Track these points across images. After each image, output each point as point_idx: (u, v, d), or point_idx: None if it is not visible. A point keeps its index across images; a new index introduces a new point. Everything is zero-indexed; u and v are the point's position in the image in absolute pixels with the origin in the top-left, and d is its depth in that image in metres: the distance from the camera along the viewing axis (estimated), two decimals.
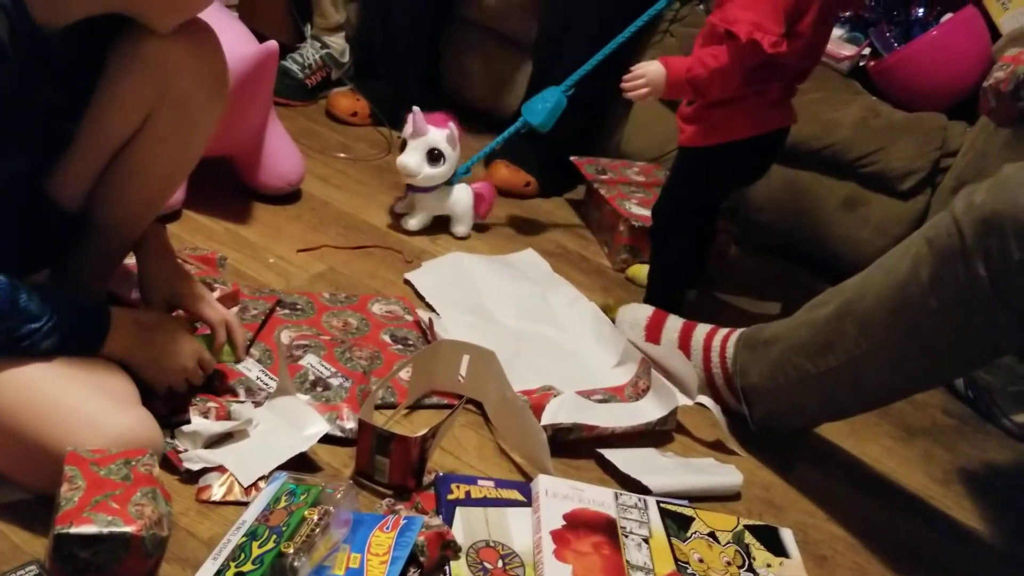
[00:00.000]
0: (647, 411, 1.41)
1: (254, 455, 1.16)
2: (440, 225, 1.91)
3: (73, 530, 0.87)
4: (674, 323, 1.56)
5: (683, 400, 1.44)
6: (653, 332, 1.55)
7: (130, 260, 1.29)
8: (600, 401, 1.42)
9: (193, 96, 1.15)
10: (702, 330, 1.53)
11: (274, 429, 1.21)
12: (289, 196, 1.87)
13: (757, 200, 2.03)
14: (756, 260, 2.11)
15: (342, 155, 2.13)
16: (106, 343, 1.07)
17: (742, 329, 1.50)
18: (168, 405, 1.18)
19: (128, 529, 0.89)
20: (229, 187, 1.82)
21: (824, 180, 2.03)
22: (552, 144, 2.04)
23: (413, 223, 1.89)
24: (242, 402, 1.24)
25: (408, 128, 1.83)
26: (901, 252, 1.28)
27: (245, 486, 1.13)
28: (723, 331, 1.51)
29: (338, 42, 2.41)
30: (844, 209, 2.03)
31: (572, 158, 2.08)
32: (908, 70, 2.03)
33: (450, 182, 1.88)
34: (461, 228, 1.90)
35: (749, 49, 1.40)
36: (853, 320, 1.30)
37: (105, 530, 0.88)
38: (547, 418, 1.31)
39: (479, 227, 1.94)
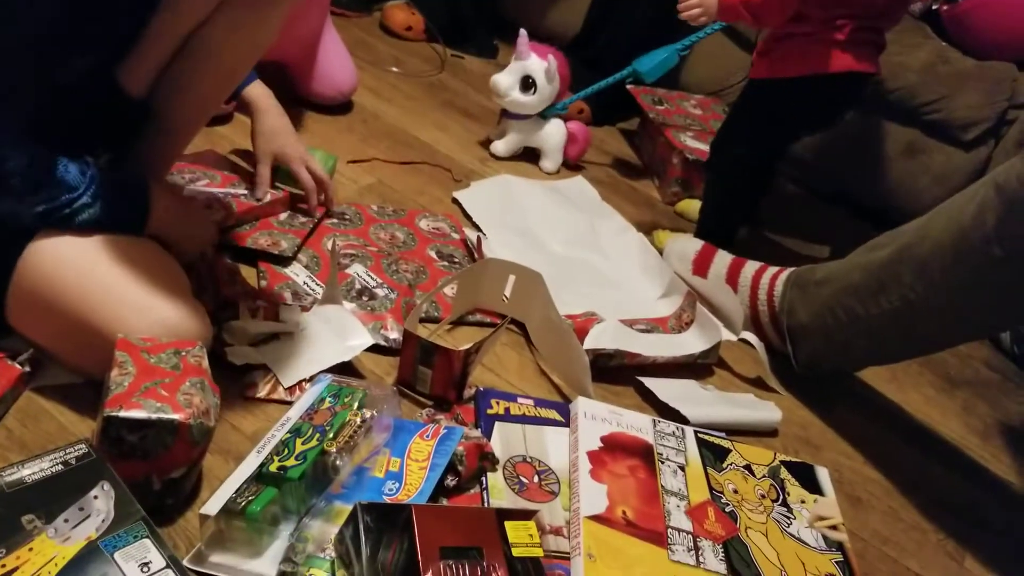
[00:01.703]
0: (690, 343, 1.40)
1: (298, 358, 1.17)
2: (528, 157, 1.89)
3: (122, 414, 0.88)
4: (723, 258, 1.54)
5: (727, 335, 1.43)
6: (701, 266, 1.54)
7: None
8: (643, 331, 1.41)
9: None
10: (751, 267, 1.51)
11: (319, 335, 1.21)
12: (341, 107, 1.86)
13: (814, 141, 1.98)
14: (809, 202, 2.08)
15: (395, 69, 2.11)
16: (149, 217, 1.07)
17: (792, 268, 1.47)
18: (215, 300, 1.19)
19: (176, 416, 0.90)
20: (282, 94, 1.79)
21: (886, 125, 1.98)
22: (607, 72, 2.00)
23: (500, 147, 1.87)
24: (290, 305, 1.25)
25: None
26: (967, 198, 1.24)
27: (286, 387, 1.14)
28: (772, 269, 1.49)
29: None
30: (904, 156, 1.98)
31: (629, 86, 2.04)
32: (982, 17, 1.96)
33: (544, 115, 1.85)
34: (548, 163, 1.87)
35: None
36: (910, 264, 1.27)
37: (154, 416, 0.89)
38: (590, 342, 1.30)
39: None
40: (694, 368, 1.41)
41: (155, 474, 0.91)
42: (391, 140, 1.83)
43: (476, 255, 1.48)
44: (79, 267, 1.00)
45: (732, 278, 1.51)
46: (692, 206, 1.79)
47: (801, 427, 1.39)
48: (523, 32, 1.82)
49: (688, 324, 1.44)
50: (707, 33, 1.81)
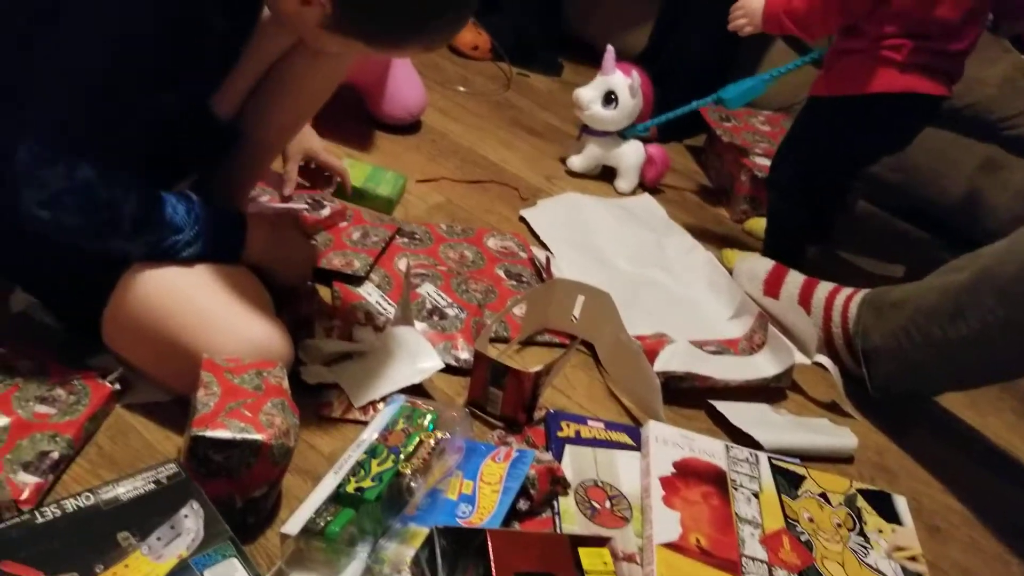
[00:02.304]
0: (762, 366, 1.38)
1: (370, 379, 1.19)
2: (602, 176, 1.90)
3: (208, 433, 0.91)
4: (795, 279, 1.52)
5: (800, 358, 1.41)
6: (772, 286, 1.52)
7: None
8: (713, 352, 1.40)
9: None
10: (824, 288, 1.49)
11: (391, 356, 1.23)
12: (409, 126, 1.88)
13: (888, 157, 1.95)
14: (882, 219, 2.04)
15: (462, 88, 2.13)
16: (244, 250, 1.11)
17: (867, 290, 1.45)
18: (292, 316, 1.21)
19: (259, 437, 0.92)
20: (352, 114, 1.84)
21: (963, 141, 1.94)
22: (674, 89, 1.99)
23: (576, 162, 1.89)
24: (363, 325, 1.27)
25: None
26: None
27: (357, 406, 1.16)
28: (846, 291, 1.47)
29: None
30: (982, 172, 1.93)
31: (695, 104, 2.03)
32: None
33: (623, 135, 1.86)
34: (623, 183, 1.87)
35: None
36: (991, 287, 1.24)
37: (238, 436, 0.91)
38: (660, 365, 1.30)
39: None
40: (766, 391, 1.39)
41: (238, 493, 0.94)
42: (459, 159, 1.85)
43: (545, 275, 1.48)
44: (173, 292, 1.04)
45: (805, 299, 1.49)
46: (761, 224, 1.77)
47: (877, 453, 1.36)
48: (610, 48, 1.83)
49: (760, 346, 1.43)
50: (797, 65, 1.81)
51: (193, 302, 1.05)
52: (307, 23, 1.00)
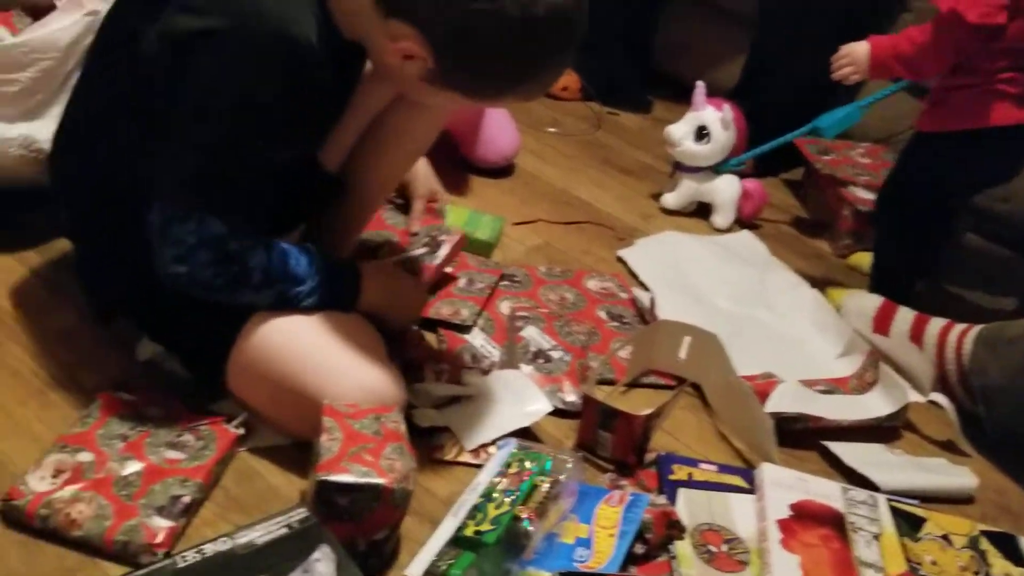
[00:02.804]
0: (875, 405, 1.35)
1: (480, 422, 1.20)
2: (698, 213, 1.91)
3: (333, 478, 0.93)
4: (905, 315, 1.49)
5: (914, 396, 1.38)
6: (882, 323, 1.49)
7: None
8: (823, 392, 1.38)
9: None
10: (936, 324, 1.46)
11: (500, 400, 1.24)
12: (503, 169, 1.91)
13: (997, 187, 1.90)
14: (990, 251, 1.98)
15: (552, 130, 2.16)
16: (359, 298, 1.15)
17: (980, 326, 1.41)
18: (402, 360, 1.24)
19: (381, 481, 0.94)
20: (448, 160, 1.87)
21: None
22: (770, 123, 1.98)
23: (670, 200, 1.89)
24: (471, 369, 1.29)
25: None
26: None
27: (468, 449, 1.17)
28: (959, 327, 1.43)
29: None
30: None
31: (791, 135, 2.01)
32: None
33: (717, 170, 1.86)
34: (720, 219, 1.86)
35: (951, 21, 1.34)
36: None
37: (361, 480, 0.94)
38: (771, 406, 1.28)
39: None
40: (880, 431, 1.36)
41: (360, 536, 0.96)
42: (553, 200, 1.86)
43: (648, 316, 1.48)
44: (293, 340, 1.08)
45: (916, 336, 1.46)
46: (866, 259, 1.74)
47: (998, 493, 1.32)
48: (700, 84, 1.84)
49: (871, 384, 1.40)
50: (892, 91, 1.79)
51: (312, 349, 1.09)
52: (409, 77, 1.04)
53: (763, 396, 1.29)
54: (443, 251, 1.42)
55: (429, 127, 1.30)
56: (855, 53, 1.49)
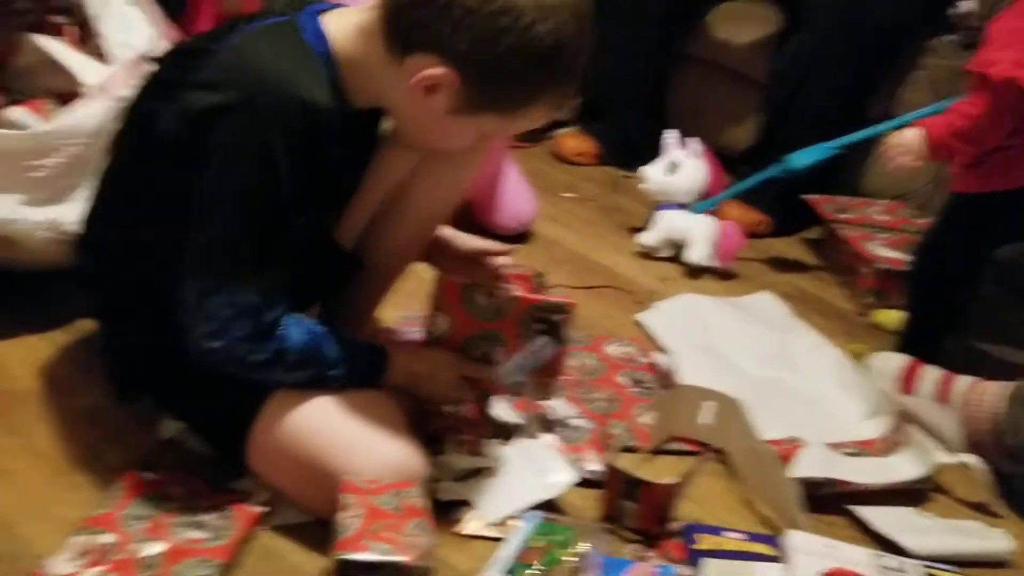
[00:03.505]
0: (904, 468, 1.33)
1: (502, 494, 1.20)
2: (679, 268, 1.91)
3: (353, 556, 0.93)
4: (931, 374, 1.47)
5: (943, 457, 1.36)
6: (907, 383, 1.47)
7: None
8: (850, 455, 1.36)
9: (457, 154, 1.23)
10: (963, 382, 1.44)
11: (522, 471, 1.23)
12: (520, 235, 1.92)
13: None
14: (1013, 303, 1.96)
15: (569, 194, 2.18)
16: (383, 380, 1.16)
17: (1011, 383, 1.39)
18: (423, 432, 1.23)
19: (403, 558, 0.94)
20: (464, 226, 1.87)
21: None
22: (787, 182, 1.99)
23: (646, 237, 1.92)
24: (492, 441, 1.28)
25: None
26: None
27: (491, 523, 1.16)
28: (987, 384, 1.41)
29: None
30: None
31: (807, 197, 2.02)
32: None
33: (693, 209, 1.89)
34: (693, 253, 1.88)
35: (1005, 88, 1.33)
36: None
37: (382, 558, 0.93)
38: (796, 470, 1.26)
39: (717, 270, 1.91)
40: (909, 493, 1.33)
41: None
42: (572, 265, 1.87)
43: (668, 380, 1.48)
44: (314, 418, 1.09)
45: (943, 395, 1.44)
46: (890, 316, 1.73)
47: None
48: (670, 131, 1.92)
49: (898, 446, 1.38)
50: (868, 134, 1.80)
51: (332, 426, 1.09)
52: (436, 115, 1.04)
53: (787, 460, 1.28)
54: (566, 333, 1.26)
55: (444, 200, 1.30)
56: (907, 140, 1.46)
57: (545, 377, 1.25)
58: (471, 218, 1.89)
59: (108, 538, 1.03)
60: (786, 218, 2.10)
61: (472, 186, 1.80)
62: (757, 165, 2.04)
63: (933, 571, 1.15)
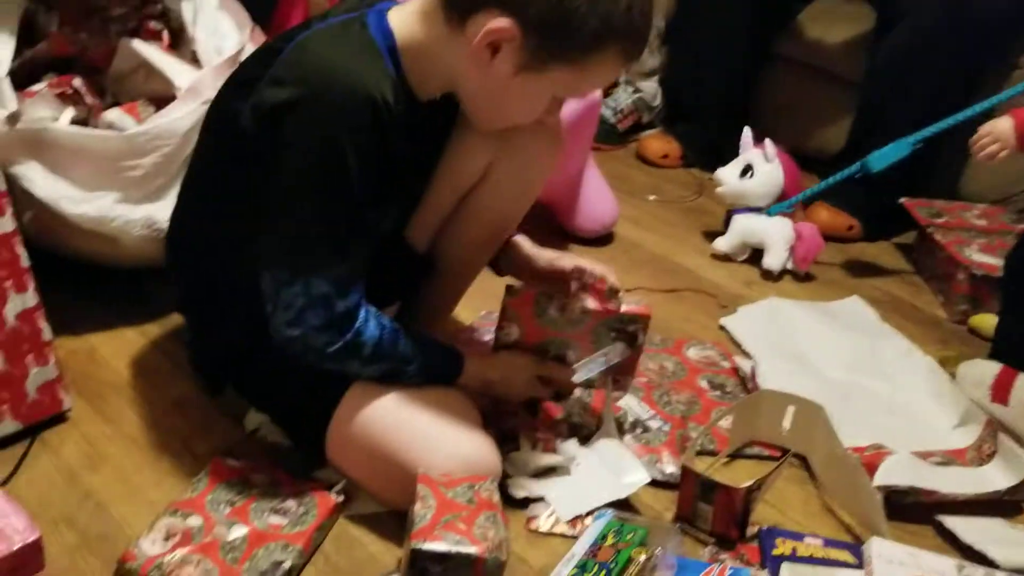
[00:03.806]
0: (994, 478, 1.28)
1: (576, 493, 1.20)
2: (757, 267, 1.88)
3: (426, 546, 0.94)
4: None
5: None
6: (1001, 392, 1.41)
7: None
8: (938, 464, 1.31)
9: (530, 153, 1.25)
10: None
11: (596, 470, 1.23)
12: (602, 238, 1.92)
13: None
14: None
15: (653, 197, 2.16)
16: (457, 382, 1.18)
17: None
18: (498, 429, 1.24)
19: (474, 550, 0.95)
20: (546, 229, 1.90)
21: None
22: (879, 185, 1.94)
23: (722, 243, 1.90)
24: (567, 439, 1.28)
25: None
26: None
27: (564, 520, 1.16)
28: None
29: (650, 86, 2.45)
30: None
31: (903, 200, 1.96)
32: None
33: (768, 212, 1.86)
34: (771, 259, 1.84)
35: None
36: None
37: (454, 549, 0.94)
38: (880, 478, 1.23)
39: (799, 274, 1.87)
40: (1000, 505, 1.28)
41: None
42: (654, 268, 1.86)
43: (750, 385, 1.45)
44: (391, 412, 1.11)
45: None
46: (987, 321, 1.66)
47: None
48: (747, 129, 1.89)
49: (990, 456, 1.33)
50: (948, 124, 1.74)
51: (408, 421, 1.11)
52: (503, 79, 1.04)
53: (872, 468, 1.24)
54: (641, 338, 1.27)
55: (516, 204, 1.30)
56: (999, 130, 1.45)
57: (619, 375, 1.28)
58: (553, 221, 1.90)
59: (195, 521, 1.07)
60: (878, 222, 2.04)
61: (554, 189, 1.82)
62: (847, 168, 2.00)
63: None
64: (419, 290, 1.33)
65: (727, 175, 1.89)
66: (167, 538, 1.05)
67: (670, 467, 1.27)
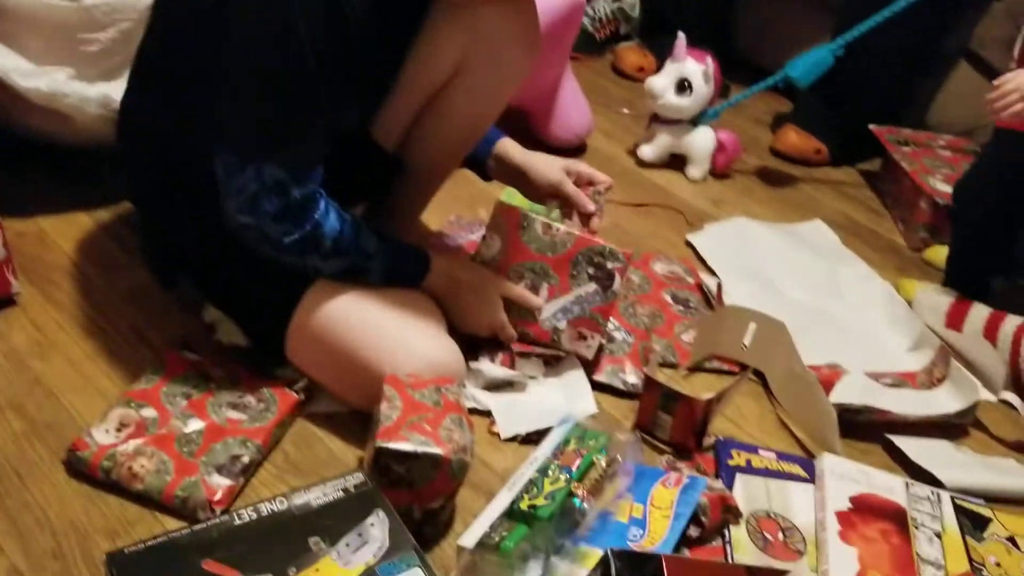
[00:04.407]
0: (944, 401, 1.31)
1: (522, 410, 1.19)
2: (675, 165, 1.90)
3: (391, 445, 0.94)
4: (980, 312, 1.44)
5: (984, 394, 1.33)
6: (955, 319, 1.44)
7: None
8: (890, 385, 1.34)
9: (504, 50, 1.20)
10: (1012, 322, 1.41)
11: (548, 393, 1.22)
12: (575, 149, 1.89)
13: None
14: None
15: (627, 111, 2.13)
16: (423, 283, 1.15)
17: None
18: (462, 337, 1.22)
19: (439, 451, 0.94)
20: (519, 137, 1.85)
21: None
22: (849, 111, 1.93)
23: (647, 152, 1.90)
24: (528, 357, 1.26)
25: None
26: None
27: (504, 437, 1.15)
28: None
29: None
30: None
31: (871, 127, 1.95)
32: None
33: (694, 122, 1.86)
34: (695, 171, 1.88)
35: None
36: None
37: (419, 449, 0.94)
38: (836, 397, 1.25)
39: (764, 194, 1.88)
40: (947, 428, 1.31)
41: (417, 504, 0.96)
42: (624, 182, 1.84)
43: (714, 302, 1.46)
44: (353, 311, 1.09)
45: (990, 334, 1.41)
46: (940, 254, 1.68)
47: None
48: (681, 35, 1.83)
49: (940, 380, 1.36)
50: (876, 21, 1.73)
51: (372, 321, 1.09)
52: None
53: (828, 387, 1.26)
54: (618, 284, 1.24)
55: (487, 107, 1.27)
56: (1021, 82, 1.32)
57: (584, 329, 1.24)
58: (527, 128, 1.86)
59: (149, 412, 1.06)
60: (846, 148, 2.04)
61: (530, 94, 1.78)
62: (825, 95, 1.98)
63: (963, 503, 1.14)
64: (387, 191, 1.29)
65: (664, 90, 1.81)
66: (120, 428, 1.03)
67: (632, 377, 1.27)
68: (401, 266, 1.14)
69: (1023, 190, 1.48)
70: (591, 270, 1.23)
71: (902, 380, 1.37)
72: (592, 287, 1.23)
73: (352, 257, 1.09)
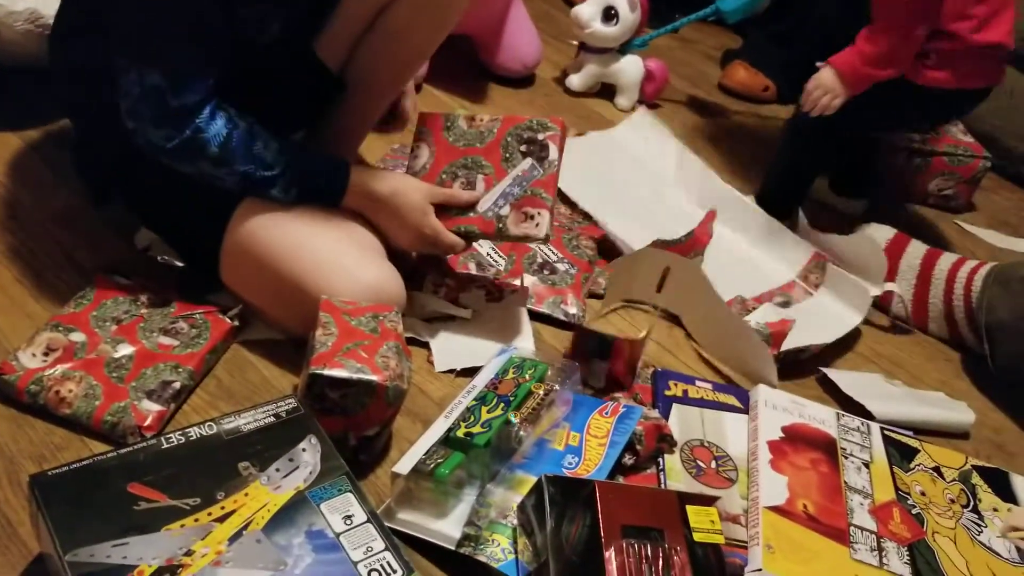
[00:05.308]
0: (848, 317, 1.35)
1: (457, 346, 1.18)
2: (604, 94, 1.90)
3: (326, 372, 0.93)
4: (917, 248, 1.47)
5: (872, 289, 1.38)
6: (893, 255, 1.46)
7: None
8: (781, 304, 1.38)
9: None
10: (948, 259, 1.43)
11: (486, 331, 1.21)
12: (524, 79, 1.86)
13: (1017, 127, 1.85)
14: (1010, 193, 1.94)
15: (575, 42, 2.10)
16: (343, 197, 1.10)
17: (994, 263, 1.39)
18: (404, 264, 1.20)
19: (374, 378, 0.93)
20: (467, 65, 1.83)
21: None
22: (797, 48, 1.92)
23: (576, 81, 1.89)
24: (470, 293, 1.25)
25: None
26: None
27: (438, 370, 1.14)
28: (972, 263, 1.41)
29: None
30: None
31: (818, 64, 1.95)
32: None
33: (622, 50, 1.85)
34: (623, 100, 1.88)
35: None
36: None
37: (354, 376, 0.93)
38: (788, 344, 1.26)
39: (711, 130, 1.87)
40: (878, 363, 1.35)
41: (352, 431, 0.96)
42: (572, 114, 1.82)
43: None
44: (285, 234, 1.06)
45: (927, 269, 1.43)
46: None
47: (994, 431, 1.31)
48: None
49: (816, 286, 1.41)
50: None
51: (306, 244, 1.06)
52: None
53: (781, 337, 1.27)
54: (554, 154, 1.16)
55: (434, 27, 1.22)
56: (824, 81, 1.42)
57: (528, 208, 1.15)
58: (474, 56, 1.83)
59: (77, 336, 1.03)
60: (794, 85, 2.03)
61: (477, 20, 1.74)
62: (774, 32, 1.97)
63: (892, 434, 1.17)
64: (327, 112, 1.26)
65: (590, 18, 1.80)
66: (47, 352, 1.01)
67: (573, 308, 1.27)
68: (315, 177, 1.09)
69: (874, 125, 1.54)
70: (523, 147, 1.16)
71: (786, 293, 1.41)
72: (528, 163, 1.16)
73: (248, 164, 1.04)
